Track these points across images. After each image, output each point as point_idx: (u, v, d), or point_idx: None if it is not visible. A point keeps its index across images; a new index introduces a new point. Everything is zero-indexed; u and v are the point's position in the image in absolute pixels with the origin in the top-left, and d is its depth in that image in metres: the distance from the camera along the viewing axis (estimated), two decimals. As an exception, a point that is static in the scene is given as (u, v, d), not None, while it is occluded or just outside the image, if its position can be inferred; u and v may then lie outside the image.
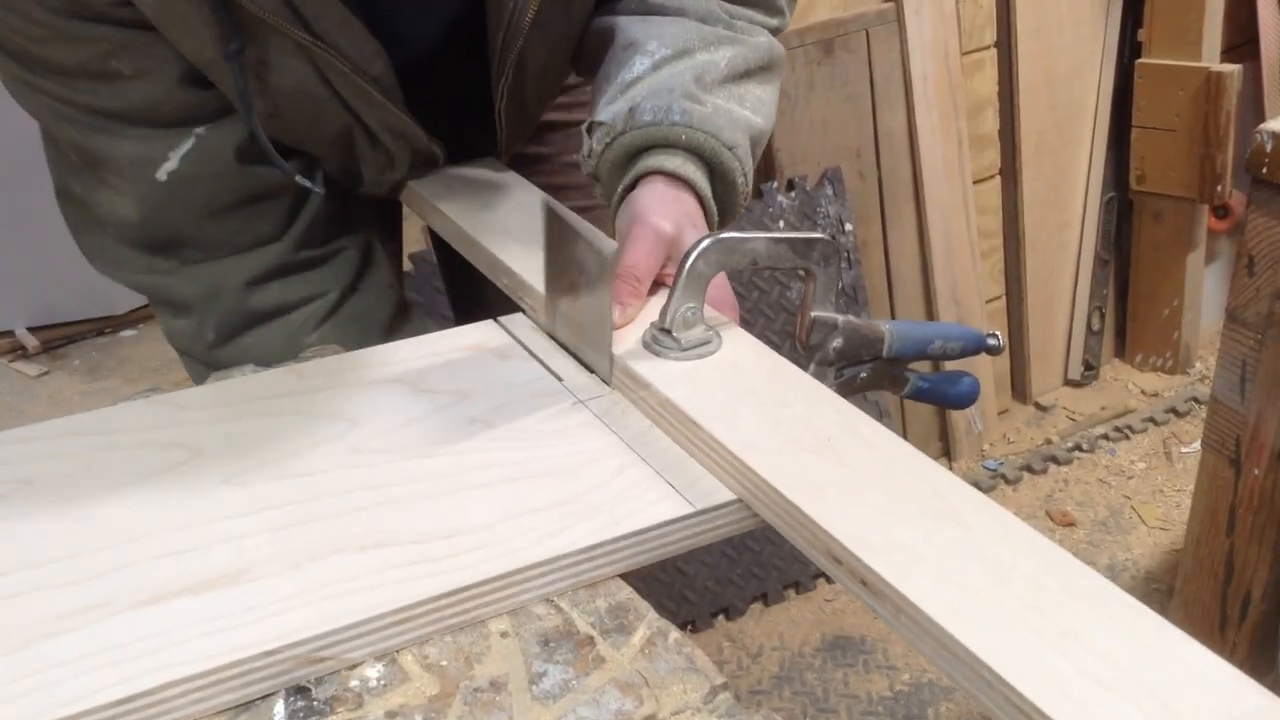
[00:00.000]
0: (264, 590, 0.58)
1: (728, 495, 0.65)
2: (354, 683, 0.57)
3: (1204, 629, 1.47)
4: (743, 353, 0.76)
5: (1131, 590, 2.20)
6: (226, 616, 0.57)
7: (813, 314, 0.79)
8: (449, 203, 1.00)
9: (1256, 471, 1.36)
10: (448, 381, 0.78)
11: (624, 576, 0.64)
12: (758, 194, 2.04)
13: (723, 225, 0.90)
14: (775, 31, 0.97)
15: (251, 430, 0.73)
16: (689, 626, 2.00)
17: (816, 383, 0.72)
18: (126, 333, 3.05)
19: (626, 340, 0.77)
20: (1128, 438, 2.50)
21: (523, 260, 0.88)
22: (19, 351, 2.92)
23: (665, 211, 0.82)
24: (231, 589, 0.58)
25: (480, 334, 0.84)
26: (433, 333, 0.85)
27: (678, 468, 0.67)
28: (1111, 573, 2.10)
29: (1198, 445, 1.44)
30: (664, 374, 0.72)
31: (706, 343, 0.75)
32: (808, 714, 1.86)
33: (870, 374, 0.82)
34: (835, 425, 0.67)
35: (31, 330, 2.92)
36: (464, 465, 0.68)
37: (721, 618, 2.07)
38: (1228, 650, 1.45)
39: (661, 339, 0.75)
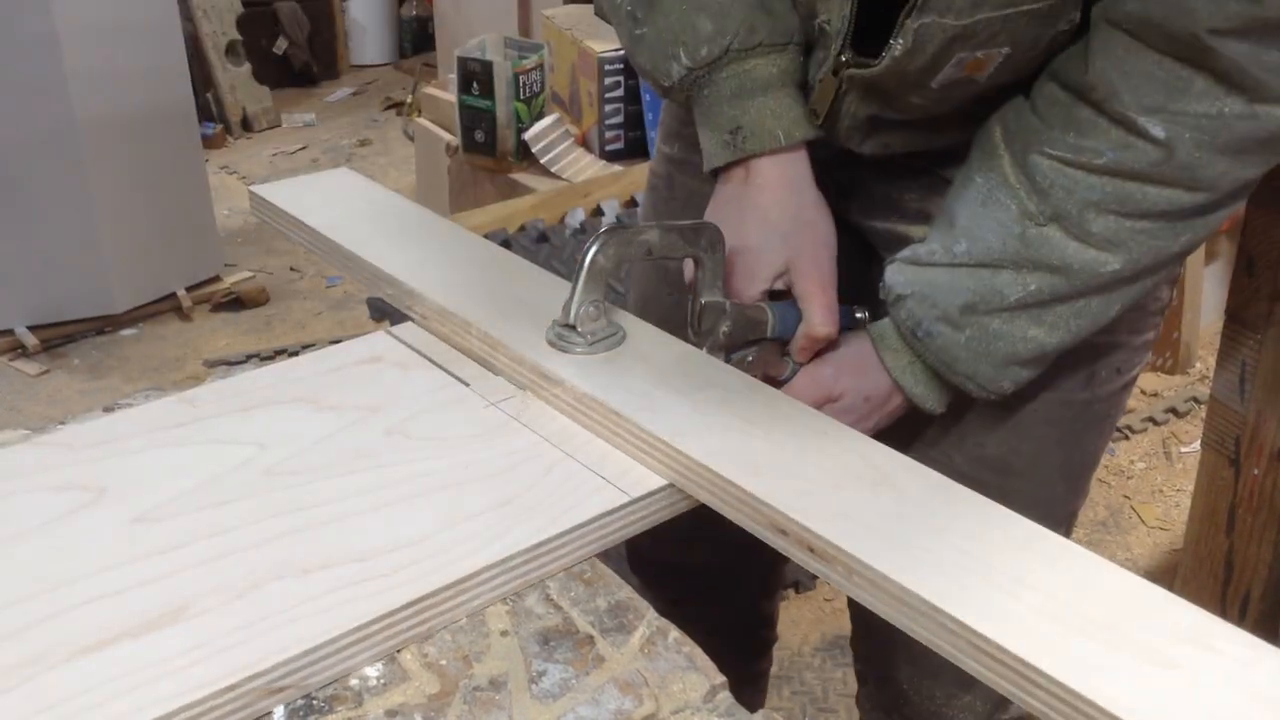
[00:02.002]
0: (209, 625, 0.57)
1: (659, 481, 0.67)
2: (354, 681, 0.57)
3: (1203, 629, 1.47)
4: (649, 343, 0.78)
5: (1131, 590, 2.14)
6: (176, 656, 0.55)
7: (703, 299, 0.80)
8: (308, 213, 0.96)
9: (1256, 471, 1.36)
10: (352, 396, 0.76)
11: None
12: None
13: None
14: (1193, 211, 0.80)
15: (153, 464, 0.70)
16: (689, 626, 2.00)
17: (727, 366, 0.75)
18: (126, 332, 3.05)
19: (531, 339, 0.77)
20: (1127, 438, 2.50)
21: (404, 267, 0.86)
22: (19, 350, 2.91)
23: (843, 365, 0.87)
24: (173, 627, 0.57)
25: (375, 346, 0.83)
26: (325, 347, 0.83)
27: (604, 460, 0.69)
28: (1111, 572, 2.10)
29: (1197, 445, 1.44)
30: (576, 370, 0.73)
31: (612, 334, 0.77)
32: (807, 713, 1.86)
33: (756, 356, 0.84)
34: (755, 405, 0.70)
35: (31, 329, 2.92)
36: (389, 478, 0.68)
37: (792, 591, 2.05)
38: (1227, 650, 1.45)
39: (566, 335, 0.76)
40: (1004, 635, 0.51)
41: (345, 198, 1.00)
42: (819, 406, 0.82)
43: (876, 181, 0.97)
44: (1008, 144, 0.83)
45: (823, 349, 0.87)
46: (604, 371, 0.73)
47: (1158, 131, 0.76)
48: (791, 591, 2.12)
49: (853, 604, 1.16)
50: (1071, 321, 0.83)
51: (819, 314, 0.86)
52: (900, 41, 0.82)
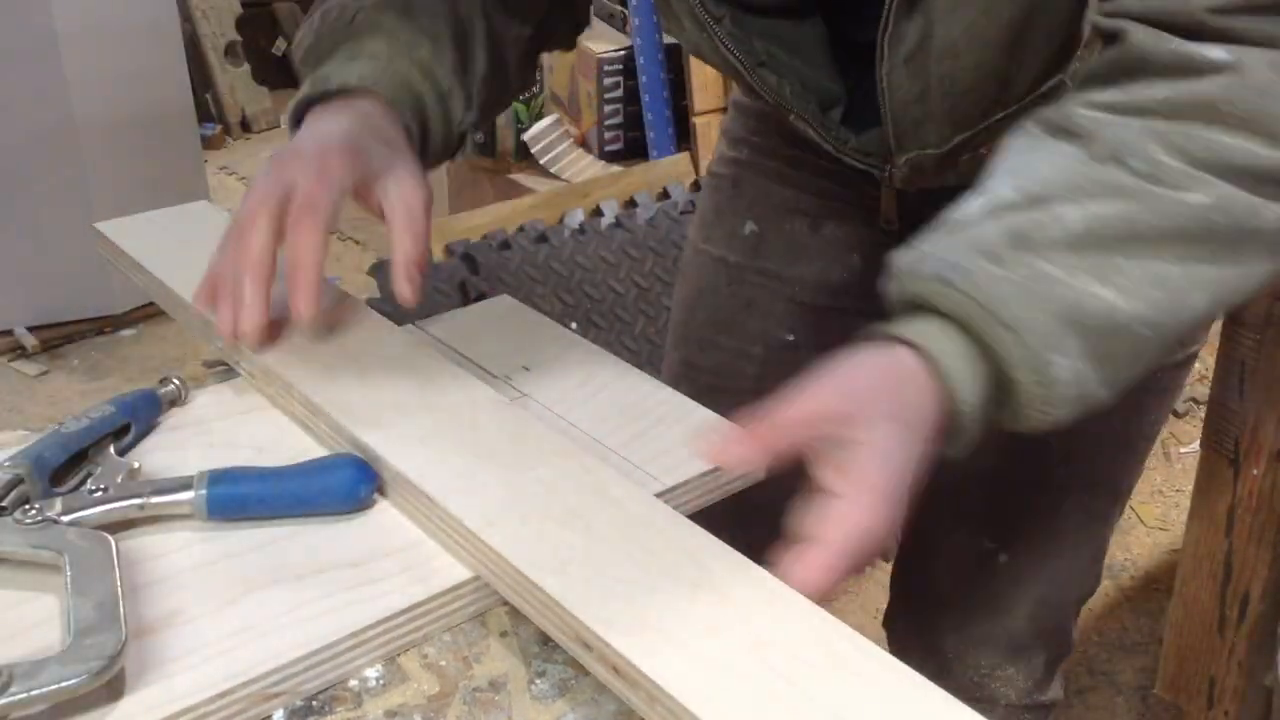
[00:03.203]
0: (202, 631, 0.56)
1: (465, 574, 0.61)
2: (353, 683, 0.57)
3: (1202, 629, 1.47)
4: (483, 411, 0.70)
5: (1131, 590, 2.19)
6: (168, 662, 0.54)
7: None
8: (149, 254, 0.89)
9: (1255, 472, 1.36)
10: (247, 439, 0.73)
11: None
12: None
13: (1013, 426, 0.65)
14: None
15: (150, 467, 0.69)
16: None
17: (564, 440, 0.67)
18: (126, 332, 3.04)
19: (354, 405, 0.70)
20: (1127, 438, 2.50)
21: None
22: (18, 351, 2.91)
23: (860, 388, 0.62)
24: (166, 632, 0.56)
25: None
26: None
27: (415, 548, 0.63)
28: (1111, 573, 2.10)
29: (1196, 445, 1.44)
30: (394, 445, 0.66)
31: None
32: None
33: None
34: (585, 489, 0.62)
35: (31, 330, 2.92)
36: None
37: None
38: (1226, 651, 1.45)
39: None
40: None
41: (196, 236, 0.89)
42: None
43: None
44: (1038, 118, 0.69)
45: None
46: (429, 444, 0.66)
47: (1219, 54, 0.62)
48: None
49: (894, 576, 1.15)
50: (1148, 289, 0.62)
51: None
52: (899, 170, 0.86)
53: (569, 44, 1.03)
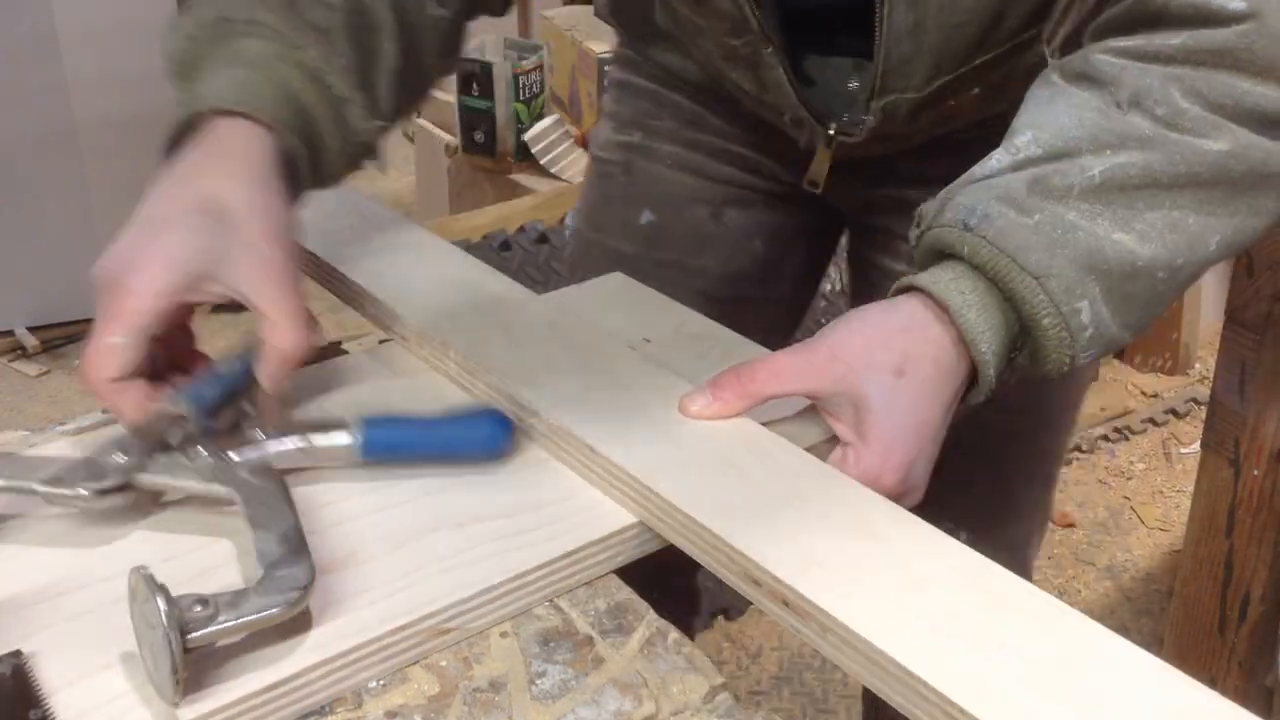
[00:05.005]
0: (377, 571, 0.60)
1: (630, 519, 0.64)
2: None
3: (1203, 629, 1.47)
4: (634, 374, 0.74)
5: (1131, 590, 2.18)
6: (349, 598, 0.58)
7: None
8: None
9: (1256, 472, 1.36)
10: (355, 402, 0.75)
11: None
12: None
13: (1035, 371, 0.69)
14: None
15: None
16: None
17: None
18: (126, 332, 3.05)
19: (510, 364, 0.74)
20: (1127, 438, 2.50)
21: (388, 286, 0.83)
22: (19, 351, 2.91)
23: (855, 343, 0.66)
24: (343, 571, 0.60)
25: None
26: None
27: (574, 495, 0.66)
28: (1111, 573, 2.10)
29: (1197, 446, 1.44)
30: (552, 401, 0.70)
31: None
32: (807, 714, 1.86)
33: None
34: (736, 442, 0.66)
35: (31, 329, 2.92)
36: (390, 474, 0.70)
37: (721, 618, 2.07)
38: (1226, 651, 1.45)
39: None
40: (978, 705, 0.48)
41: (332, 211, 0.92)
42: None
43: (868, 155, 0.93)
44: (1061, 67, 0.71)
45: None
46: (585, 400, 0.70)
47: (1237, 4, 0.63)
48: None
49: None
50: (1166, 234, 0.65)
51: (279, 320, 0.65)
52: (869, 118, 0.84)
53: (499, 9, 0.89)
